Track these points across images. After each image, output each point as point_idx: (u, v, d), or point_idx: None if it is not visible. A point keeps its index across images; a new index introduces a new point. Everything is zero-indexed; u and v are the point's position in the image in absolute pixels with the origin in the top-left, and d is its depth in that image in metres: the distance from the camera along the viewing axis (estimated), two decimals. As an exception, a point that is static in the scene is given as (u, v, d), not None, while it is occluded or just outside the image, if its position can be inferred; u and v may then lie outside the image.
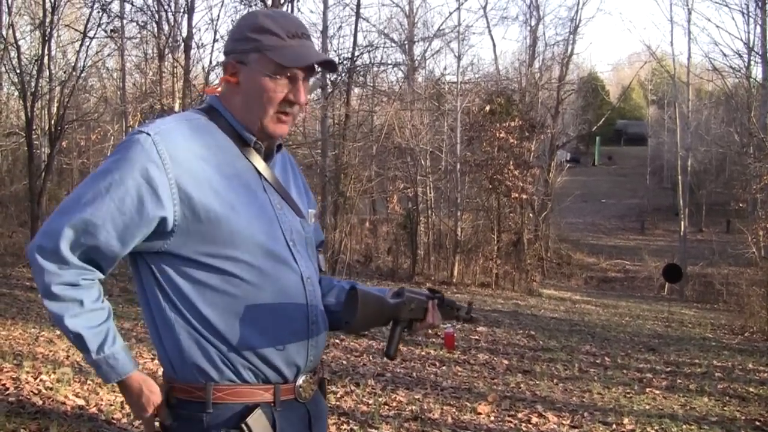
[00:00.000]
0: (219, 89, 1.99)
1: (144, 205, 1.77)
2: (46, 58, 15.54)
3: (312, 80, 1.98)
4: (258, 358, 1.85)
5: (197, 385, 1.83)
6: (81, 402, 5.51)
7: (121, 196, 1.76)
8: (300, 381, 1.96)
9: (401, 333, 2.07)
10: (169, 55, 17.66)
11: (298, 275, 1.93)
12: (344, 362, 7.96)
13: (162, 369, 1.92)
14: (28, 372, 6.21)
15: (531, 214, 27.02)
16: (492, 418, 6.10)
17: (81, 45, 16.21)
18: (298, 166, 2.24)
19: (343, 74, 19.31)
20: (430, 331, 2.07)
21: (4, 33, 15.61)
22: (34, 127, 16.43)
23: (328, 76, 17.13)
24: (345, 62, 19.73)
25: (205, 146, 1.86)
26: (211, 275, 1.83)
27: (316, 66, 1.95)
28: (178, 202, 1.79)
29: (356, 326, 1.90)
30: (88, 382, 6.11)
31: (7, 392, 5.58)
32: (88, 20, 16.17)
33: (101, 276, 1.86)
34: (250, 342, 1.84)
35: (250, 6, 17.69)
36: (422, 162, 22.94)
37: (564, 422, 6.13)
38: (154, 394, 1.87)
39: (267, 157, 2.00)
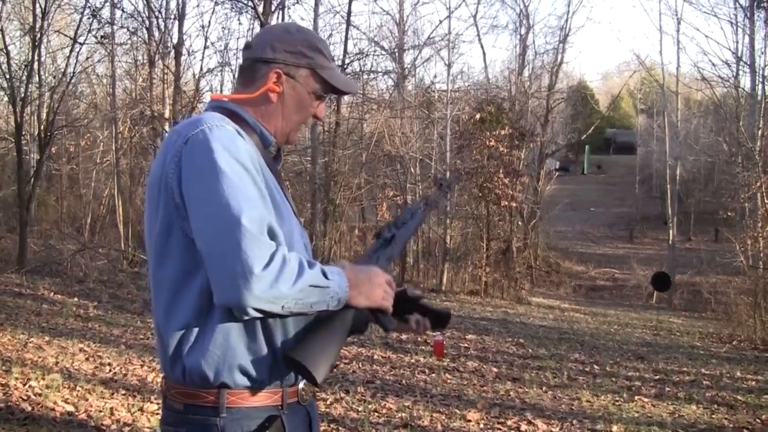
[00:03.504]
0: (226, 95, 1.99)
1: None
2: (35, 63, 15.53)
3: None
4: (280, 362, 1.83)
5: (209, 390, 1.78)
6: (70, 408, 5.50)
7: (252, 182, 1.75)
8: (302, 384, 1.94)
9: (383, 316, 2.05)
10: (160, 61, 17.67)
11: None
12: (334, 369, 7.96)
13: (164, 374, 1.87)
14: (17, 378, 6.20)
15: (520, 222, 26.99)
16: (481, 426, 6.11)
17: (71, 51, 16.25)
18: None
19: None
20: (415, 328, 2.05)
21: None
22: (24, 133, 16.44)
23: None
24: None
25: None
26: None
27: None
28: None
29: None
30: (78, 388, 6.10)
31: (-4, 398, 5.57)
32: (78, 26, 16.24)
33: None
34: (276, 346, 1.82)
35: (240, 14, 17.76)
36: (412, 170, 23.02)
37: (553, 429, 6.14)
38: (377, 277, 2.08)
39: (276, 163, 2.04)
